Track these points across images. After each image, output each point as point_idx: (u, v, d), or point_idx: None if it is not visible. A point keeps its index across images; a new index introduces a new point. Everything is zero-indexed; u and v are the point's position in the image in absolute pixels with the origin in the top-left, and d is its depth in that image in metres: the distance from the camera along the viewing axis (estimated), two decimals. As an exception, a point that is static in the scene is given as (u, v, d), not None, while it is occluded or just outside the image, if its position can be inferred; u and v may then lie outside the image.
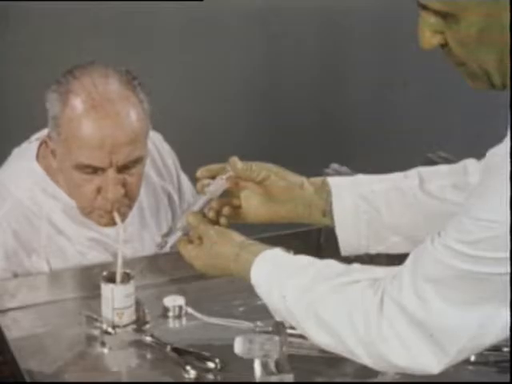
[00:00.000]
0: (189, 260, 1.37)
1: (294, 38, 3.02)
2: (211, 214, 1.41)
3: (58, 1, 2.58)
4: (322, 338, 1.22)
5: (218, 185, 1.40)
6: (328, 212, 1.41)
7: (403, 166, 1.50)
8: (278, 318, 1.30)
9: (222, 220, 1.41)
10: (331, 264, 1.25)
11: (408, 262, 1.16)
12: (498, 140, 1.08)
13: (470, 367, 1.44)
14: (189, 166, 1.91)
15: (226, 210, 1.42)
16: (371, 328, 1.15)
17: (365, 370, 1.22)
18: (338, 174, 1.86)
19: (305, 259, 1.28)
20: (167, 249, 1.41)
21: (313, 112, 3.13)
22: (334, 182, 1.43)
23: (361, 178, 1.45)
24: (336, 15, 3.04)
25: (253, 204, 1.43)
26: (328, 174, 1.86)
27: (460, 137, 2.95)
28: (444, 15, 1.07)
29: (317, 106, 3.13)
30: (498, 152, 1.07)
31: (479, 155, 1.31)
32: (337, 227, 1.41)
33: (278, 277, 1.26)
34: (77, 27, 2.68)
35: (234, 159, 1.41)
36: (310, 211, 1.42)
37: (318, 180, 1.44)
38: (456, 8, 1.06)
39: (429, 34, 1.10)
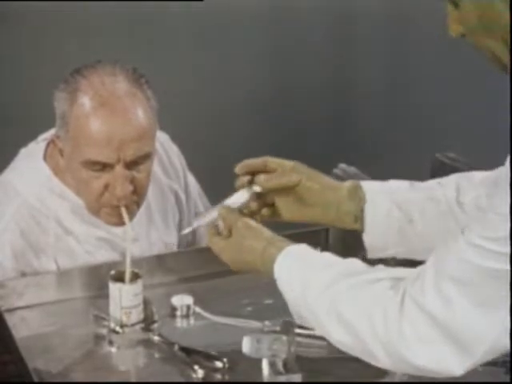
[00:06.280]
0: (216, 252, 1.35)
1: (304, 38, 3.03)
2: (246, 212, 1.39)
3: (59, 1, 2.58)
4: (341, 337, 1.20)
5: (241, 198, 1.38)
6: (359, 217, 1.39)
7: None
8: (295, 317, 1.27)
9: (257, 218, 1.39)
10: (354, 262, 1.24)
11: (430, 261, 1.14)
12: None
13: (479, 368, 1.43)
14: (196, 166, 1.91)
15: (264, 211, 1.41)
16: (390, 328, 1.13)
17: (372, 370, 1.21)
18: (346, 174, 1.85)
19: (328, 256, 1.26)
20: (189, 230, 1.42)
21: (321, 112, 3.13)
22: (368, 186, 1.40)
23: (395, 184, 1.43)
24: (346, 14, 3.04)
25: (284, 205, 1.41)
26: (336, 174, 1.85)
27: (469, 137, 2.95)
28: (454, 3, 1.10)
29: (325, 107, 3.13)
30: None
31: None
32: (365, 232, 1.39)
33: (301, 272, 1.24)
34: (77, 27, 2.69)
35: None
36: (341, 215, 1.40)
37: (350, 184, 1.41)
38: None
39: (451, 22, 1.13)
